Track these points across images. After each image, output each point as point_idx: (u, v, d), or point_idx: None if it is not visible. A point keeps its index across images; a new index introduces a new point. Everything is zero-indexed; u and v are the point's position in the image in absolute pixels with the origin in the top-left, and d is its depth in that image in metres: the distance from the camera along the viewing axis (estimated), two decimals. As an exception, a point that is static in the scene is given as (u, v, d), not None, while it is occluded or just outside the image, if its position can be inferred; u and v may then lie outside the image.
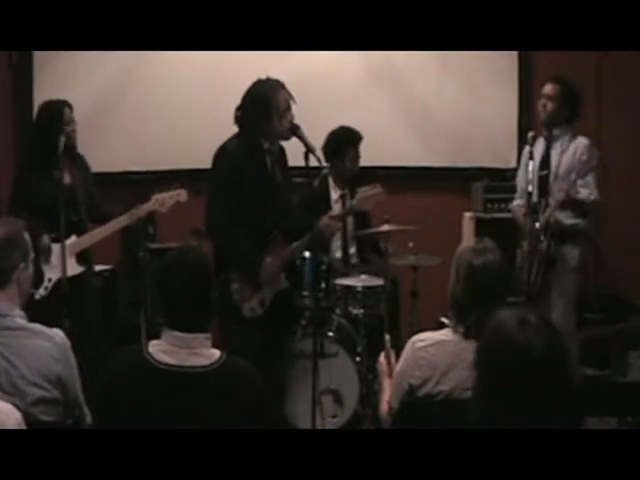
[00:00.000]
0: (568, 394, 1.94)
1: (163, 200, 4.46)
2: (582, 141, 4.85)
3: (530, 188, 4.63)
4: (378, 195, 4.41)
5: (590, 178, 4.78)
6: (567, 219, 4.73)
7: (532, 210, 4.66)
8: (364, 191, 4.44)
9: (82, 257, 4.45)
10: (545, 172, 4.78)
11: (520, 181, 5.04)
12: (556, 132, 4.84)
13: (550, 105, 4.81)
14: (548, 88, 4.84)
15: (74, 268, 4.37)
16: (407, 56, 5.86)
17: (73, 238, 4.38)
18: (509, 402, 1.93)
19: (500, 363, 1.96)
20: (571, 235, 4.78)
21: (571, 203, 4.65)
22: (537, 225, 4.66)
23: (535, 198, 4.68)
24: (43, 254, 4.29)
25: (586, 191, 4.73)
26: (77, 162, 4.53)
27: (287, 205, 4.26)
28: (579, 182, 4.74)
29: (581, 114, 4.89)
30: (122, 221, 4.42)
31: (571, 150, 4.80)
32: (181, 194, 4.51)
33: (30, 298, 3.94)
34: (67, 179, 4.38)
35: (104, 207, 4.55)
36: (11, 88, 5.87)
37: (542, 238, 4.66)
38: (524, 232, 4.81)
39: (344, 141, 5.21)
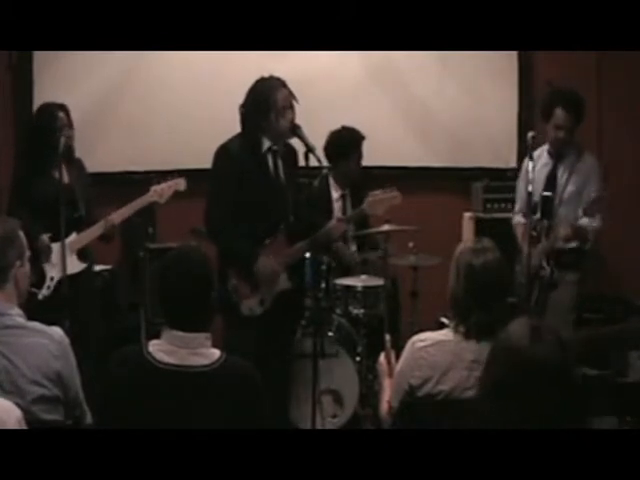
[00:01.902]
0: (575, 401, 1.97)
1: (162, 191, 4.45)
2: (588, 160, 4.71)
3: (529, 187, 4.53)
4: (394, 198, 4.36)
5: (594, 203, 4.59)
6: (573, 247, 4.63)
7: (533, 227, 4.55)
8: (376, 194, 4.38)
9: (83, 254, 4.46)
10: (550, 193, 4.66)
11: (520, 194, 4.89)
12: (564, 150, 4.71)
13: (562, 133, 4.62)
14: (561, 117, 4.60)
15: (76, 265, 4.38)
16: (407, 56, 5.85)
17: (73, 235, 4.38)
18: (518, 409, 1.94)
19: (512, 375, 1.96)
20: (573, 258, 4.68)
21: (575, 236, 4.55)
22: (539, 247, 4.57)
23: (538, 216, 4.60)
24: (43, 254, 4.29)
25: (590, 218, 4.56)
26: (74, 163, 4.53)
27: (292, 205, 4.22)
28: (583, 203, 4.58)
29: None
30: (121, 214, 4.41)
31: (577, 173, 4.66)
32: (179, 183, 4.50)
33: (33, 298, 3.99)
34: (65, 179, 4.38)
35: (100, 207, 4.54)
36: (11, 88, 5.87)
37: (545, 265, 4.59)
38: (522, 249, 4.70)
39: (348, 142, 5.19)
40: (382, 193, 4.38)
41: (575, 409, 1.96)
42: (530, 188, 4.49)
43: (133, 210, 4.42)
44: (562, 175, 4.70)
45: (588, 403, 4.58)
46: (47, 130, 4.37)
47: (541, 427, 1.92)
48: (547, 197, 4.66)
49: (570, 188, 4.67)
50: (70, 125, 4.45)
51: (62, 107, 4.46)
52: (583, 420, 2.02)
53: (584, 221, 4.53)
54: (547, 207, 4.65)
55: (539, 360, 1.93)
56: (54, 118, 4.39)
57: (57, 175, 4.24)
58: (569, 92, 4.76)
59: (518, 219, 4.92)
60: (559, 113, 4.62)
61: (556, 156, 4.73)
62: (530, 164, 4.55)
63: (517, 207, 4.96)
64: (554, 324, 4.59)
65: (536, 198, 4.60)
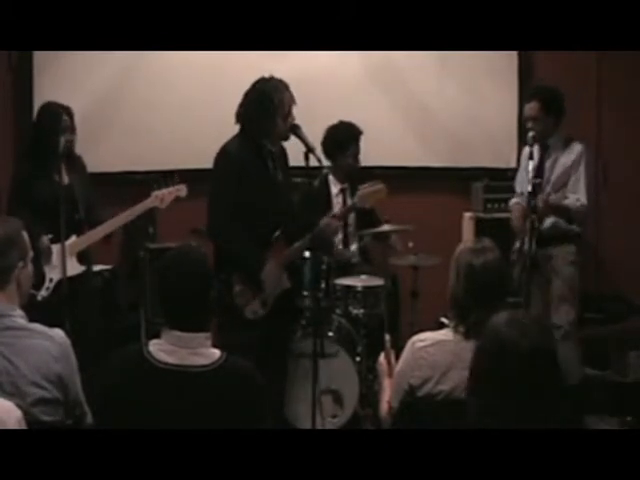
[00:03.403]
0: (555, 393, 2.02)
1: (163, 196, 4.45)
2: (576, 147, 4.88)
3: (530, 189, 4.67)
4: (379, 191, 4.41)
5: (579, 183, 4.82)
6: (553, 223, 4.80)
7: (531, 212, 4.69)
8: (364, 188, 4.44)
9: (83, 256, 4.45)
10: (539, 180, 4.81)
11: (519, 182, 5.06)
12: (550, 141, 4.88)
13: (536, 124, 4.82)
14: (529, 109, 4.86)
15: (75, 268, 4.37)
16: (407, 56, 5.86)
17: (73, 238, 4.38)
18: (499, 399, 2.00)
19: (489, 360, 2.09)
20: (556, 238, 4.82)
21: (552, 210, 4.73)
22: (526, 226, 4.72)
23: (531, 203, 4.72)
24: (43, 255, 4.29)
25: (574, 197, 4.77)
26: (75, 164, 4.53)
27: (288, 205, 4.26)
28: (568, 187, 4.79)
29: (565, 110, 4.88)
30: (122, 219, 4.41)
31: (563, 159, 4.85)
32: (181, 189, 4.49)
33: (32, 299, 3.98)
34: (65, 180, 4.38)
35: (101, 210, 4.54)
36: (11, 89, 5.86)
37: (526, 240, 4.71)
38: (516, 231, 4.86)
39: (345, 137, 5.21)
40: (369, 186, 4.43)
41: (551, 398, 2.02)
42: (530, 189, 4.66)
43: (134, 215, 4.42)
44: (549, 163, 4.88)
45: (583, 398, 4.60)
46: (49, 130, 4.35)
47: (531, 419, 1.95)
48: (536, 184, 4.81)
49: (556, 172, 4.84)
50: (73, 129, 4.44)
51: (66, 109, 4.45)
52: (572, 413, 2.08)
53: (569, 200, 4.76)
54: (536, 192, 4.79)
55: (508, 344, 2.05)
56: (57, 118, 4.37)
57: (57, 176, 4.24)
58: (535, 86, 5.11)
59: (515, 200, 5.07)
60: (527, 107, 4.90)
61: (543, 147, 4.89)
62: (531, 163, 4.70)
63: (515, 195, 5.11)
64: (553, 312, 4.74)
65: (529, 185, 4.75)
